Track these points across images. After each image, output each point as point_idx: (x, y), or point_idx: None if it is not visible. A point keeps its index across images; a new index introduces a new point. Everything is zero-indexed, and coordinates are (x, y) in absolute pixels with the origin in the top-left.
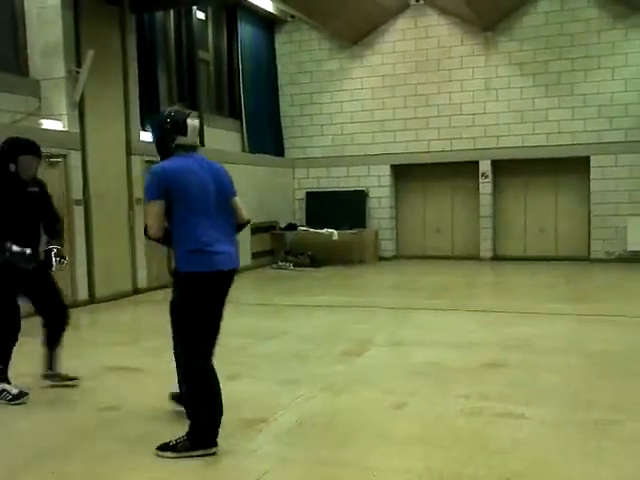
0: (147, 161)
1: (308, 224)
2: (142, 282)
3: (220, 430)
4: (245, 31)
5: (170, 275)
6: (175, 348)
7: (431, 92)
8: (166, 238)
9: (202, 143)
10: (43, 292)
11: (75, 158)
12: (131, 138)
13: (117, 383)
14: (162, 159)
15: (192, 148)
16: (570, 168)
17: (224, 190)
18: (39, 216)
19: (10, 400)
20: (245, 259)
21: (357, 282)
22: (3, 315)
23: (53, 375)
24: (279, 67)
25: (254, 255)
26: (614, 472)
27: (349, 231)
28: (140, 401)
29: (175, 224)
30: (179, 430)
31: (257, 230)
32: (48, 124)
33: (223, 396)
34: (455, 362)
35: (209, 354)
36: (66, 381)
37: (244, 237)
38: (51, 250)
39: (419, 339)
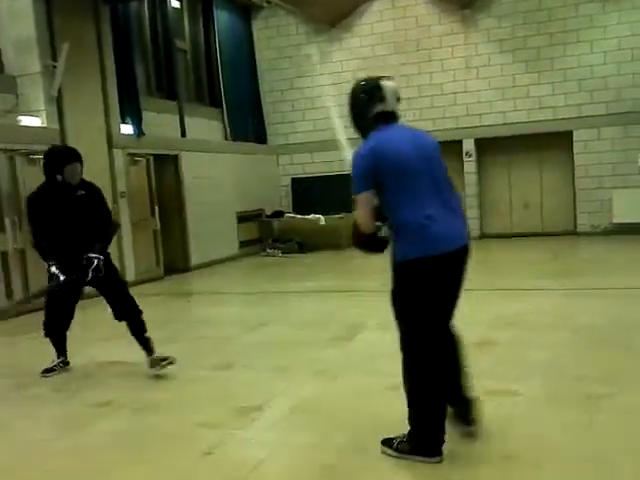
0: (129, 154)
1: (295, 210)
2: (130, 276)
3: (215, 420)
4: (221, 18)
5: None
6: (401, 341)
7: (411, 73)
8: (374, 240)
9: (183, 133)
10: (106, 286)
11: None
12: (112, 131)
13: (110, 377)
14: (362, 136)
15: (394, 117)
16: (553, 143)
17: (439, 161)
18: (88, 219)
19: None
20: (232, 248)
21: (346, 267)
22: (58, 308)
23: (152, 360)
24: (257, 53)
25: (241, 244)
26: (609, 444)
27: (336, 216)
28: (134, 395)
29: (391, 208)
30: (174, 421)
31: (243, 219)
32: (27, 121)
33: (216, 385)
34: None
35: (440, 350)
36: (162, 363)
37: (230, 226)
38: (90, 260)
39: None
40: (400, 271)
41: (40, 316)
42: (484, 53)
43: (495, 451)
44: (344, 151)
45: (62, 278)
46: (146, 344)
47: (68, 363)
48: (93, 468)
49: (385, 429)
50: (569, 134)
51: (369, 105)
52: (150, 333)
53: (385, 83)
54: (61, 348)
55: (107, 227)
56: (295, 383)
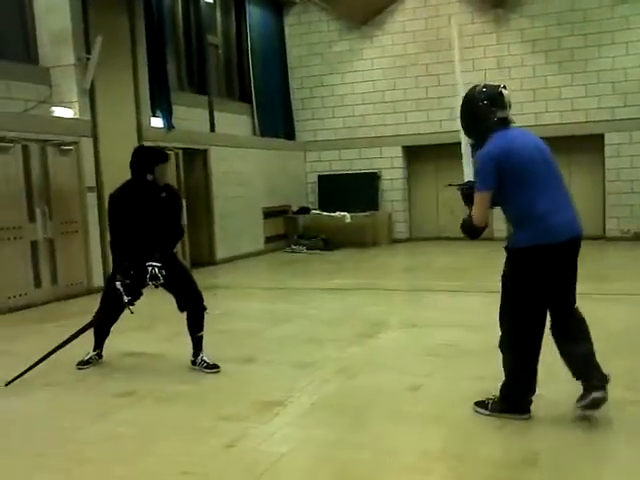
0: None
1: (321, 207)
2: None
3: (237, 413)
4: (253, 14)
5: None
6: (501, 311)
7: (442, 72)
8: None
9: (213, 128)
10: (170, 284)
11: (87, 145)
12: (142, 124)
13: (134, 368)
14: (478, 139)
15: (510, 121)
16: (584, 146)
17: (553, 160)
18: (166, 221)
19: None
20: (258, 243)
21: (371, 264)
22: (109, 305)
23: (194, 362)
24: (288, 49)
25: (267, 239)
26: (632, 452)
27: (362, 214)
28: (157, 386)
29: (514, 200)
30: (197, 413)
31: (270, 214)
32: (59, 112)
33: (239, 378)
34: (470, 343)
35: (542, 330)
36: (205, 368)
37: (256, 222)
38: (152, 268)
39: (434, 321)
40: (519, 257)
41: (67, 305)
42: (517, 53)
43: (515, 454)
44: (466, 169)
45: (126, 300)
46: (196, 343)
47: (102, 357)
48: (116, 457)
49: (406, 428)
50: (601, 137)
51: (491, 111)
52: (174, 325)
53: (504, 91)
54: (100, 341)
55: (174, 232)
56: (317, 379)
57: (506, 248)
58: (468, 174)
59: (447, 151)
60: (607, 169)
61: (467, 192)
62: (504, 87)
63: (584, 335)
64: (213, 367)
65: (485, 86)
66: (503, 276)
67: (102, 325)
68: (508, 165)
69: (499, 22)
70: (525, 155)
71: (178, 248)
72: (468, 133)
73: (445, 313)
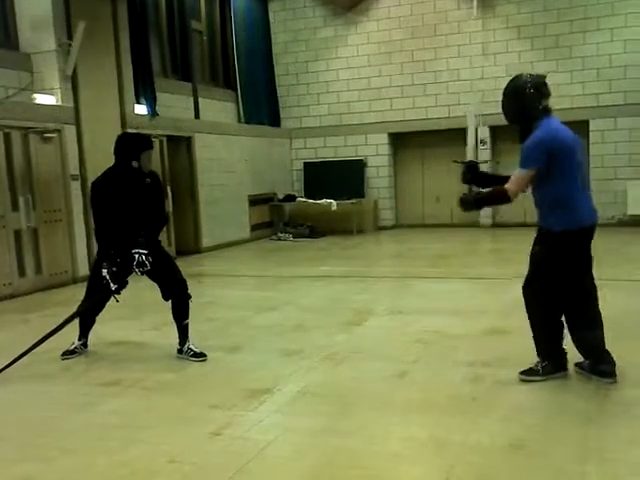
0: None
1: (307, 195)
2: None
3: (223, 401)
4: None
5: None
6: (529, 286)
7: (428, 58)
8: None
9: (197, 115)
10: (155, 273)
11: (70, 133)
12: (126, 111)
13: (120, 357)
14: (524, 126)
15: (551, 110)
16: None
17: (582, 151)
18: (150, 208)
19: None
20: (244, 231)
21: (357, 252)
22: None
23: (180, 350)
24: (273, 36)
25: (253, 227)
26: (616, 435)
27: (348, 201)
28: (143, 375)
29: (550, 185)
30: (183, 402)
31: (255, 202)
32: (41, 99)
33: (225, 366)
34: (456, 330)
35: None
36: (191, 356)
37: (242, 209)
38: (138, 255)
39: (420, 307)
40: (556, 239)
41: (52, 294)
42: (502, 40)
43: (501, 440)
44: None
45: (112, 288)
46: (182, 331)
47: (87, 346)
48: (101, 446)
49: (392, 414)
50: (585, 123)
51: (537, 99)
52: (160, 314)
53: (547, 81)
54: (86, 331)
55: (158, 219)
56: (304, 367)
57: (542, 230)
58: (470, 157)
59: (433, 138)
60: (592, 155)
61: (468, 170)
62: (545, 77)
63: (597, 321)
64: (200, 355)
65: (531, 75)
66: (536, 254)
67: (88, 314)
68: (556, 151)
69: (484, 8)
70: (569, 144)
71: (163, 236)
72: (515, 119)
73: (431, 300)
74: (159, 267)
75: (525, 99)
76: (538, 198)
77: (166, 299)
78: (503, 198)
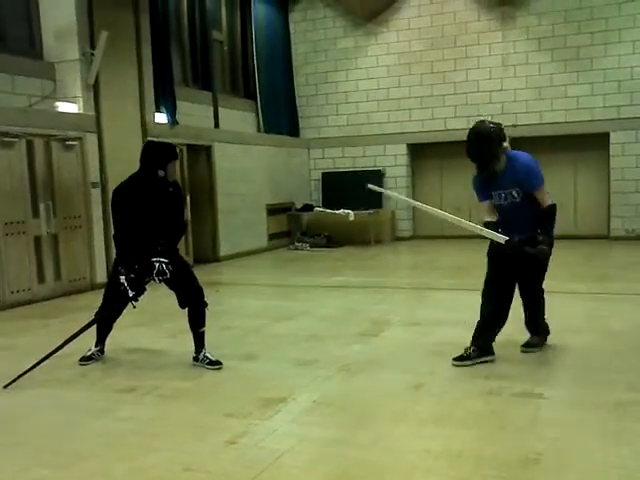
0: None
1: (324, 205)
2: None
3: (239, 410)
4: (259, 10)
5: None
6: (534, 286)
7: (447, 69)
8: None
9: (217, 124)
10: (173, 281)
11: (91, 141)
12: (146, 120)
13: (136, 364)
14: (490, 161)
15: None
16: (589, 145)
17: None
18: (172, 217)
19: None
20: (262, 241)
21: (374, 262)
22: (113, 300)
23: (196, 358)
24: (293, 46)
25: (271, 237)
26: (634, 452)
27: (365, 211)
28: (159, 383)
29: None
30: (199, 410)
31: (273, 211)
32: (64, 107)
33: (241, 375)
34: None
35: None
36: (207, 365)
37: (260, 219)
38: (159, 264)
39: (437, 319)
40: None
41: (70, 301)
42: (522, 51)
43: (517, 454)
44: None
45: (130, 294)
46: (198, 339)
47: (104, 352)
48: (116, 453)
49: (407, 426)
50: (606, 136)
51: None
52: (176, 322)
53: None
54: (103, 337)
55: (178, 228)
56: (319, 377)
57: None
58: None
59: (451, 148)
60: (612, 168)
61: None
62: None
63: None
64: (216, 363)
65: (496, 124)
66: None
67: (105, 321)
68: None
69: (505, 19)
70: None
71: (181, 244)
72: (487, 156)
73: (448, 311)
74: (177, 275)
75: (499, 141)
76: (527, 211)
77: (183, 307)
78: (553, 214)
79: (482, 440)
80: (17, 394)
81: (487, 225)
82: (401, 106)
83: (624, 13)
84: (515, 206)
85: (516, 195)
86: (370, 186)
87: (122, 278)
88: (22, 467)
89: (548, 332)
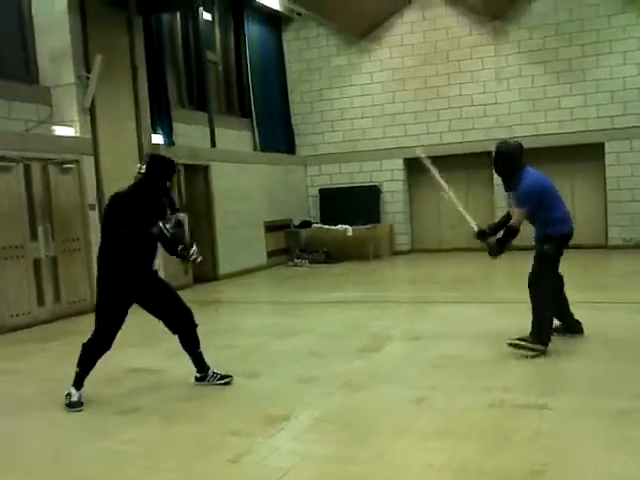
0: None
1: (322, 221)
2: None
3: (242, 428)
4: (252, 30)
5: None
6: (535, 281)
7: (441, 84)
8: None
9: (213, 144)
10: (160, 300)
11: (88, 163)
12: (143, 142)
13: (138, 384)
14: (508, 176)
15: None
16: (585, 155)
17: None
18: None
19: (67, 404)
20: (260, 258)
21: (373, 277)
22: (109, 328)
23: (200, 378)
24: (287, 65)
25: (269, 254)
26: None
27: (363, 227)
28: (162, 402)
29: (547, 212)
30: (201, 429)
31: (271, 228)
32: (60, 130)
33: (243, 393)
34: (475, 354)
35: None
36: (218, 380)
37: (258, 236)
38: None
39: (437, 332)
40: (558, 240)
41: (70, 323)
42: (515, 64)
43: (521, 466)
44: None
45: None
46: (199, 360)
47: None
48: (119, 474)
49: (410, 441)
50: (601, 146)
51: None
52: (174, 342)
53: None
54: (84, 377)
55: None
56: (321, 393)
57: (543, 238)
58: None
59: (447, 162)
60: (608, 177)
61: (483, 237)
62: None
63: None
64: (226, 377)
65: (514, 141)
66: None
67: (98, 353)
68: (544, 190)
69: (497, 34)
70: (550, 183)
71: (180, 263)
72: (504, 170)
73: (448, 325)
74: (161, 300)
75: (517, 158)
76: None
77: (175, 331)
78: (509, 230)
79: (485, 453)
80: (18, 417)
81: (481, 231)
82: (396, 121)
83: (614, 25)
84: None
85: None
86: (419, 152)
87: (159, 226)
88: None
89: (541, 341)
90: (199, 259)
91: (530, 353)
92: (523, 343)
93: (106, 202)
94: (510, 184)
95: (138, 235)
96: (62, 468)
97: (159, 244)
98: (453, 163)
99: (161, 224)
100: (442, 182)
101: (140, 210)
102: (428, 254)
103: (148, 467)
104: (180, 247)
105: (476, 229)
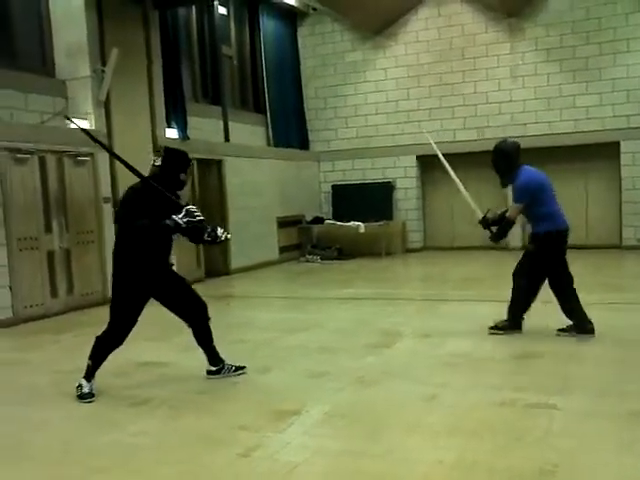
0: None
1: (335, 217)
2: None
3: (252, 422)
4: (267, 25)
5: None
6: (516, 268)
7: (456, 81)
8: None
9: (227, 138)
10: (175, 294)
11: (103, 157)
12: (157, 135)
13: (148, 377)
14: (505, 173)
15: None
16: (600, 154)
17: None
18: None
19: (78, 395)
20: (272, 253)
21: (385, 274)
22: (124, 322)
23: (213, 372)
24: (302, 60)
25: (281, 249)
26: None
27: (376, 223)
28: (172, 395)
29: (538, 207)
30: (212, 423)
31: (284, 224)
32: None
33: (254, 388)
34: (486, 353)
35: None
36: (234, 372)
37: (271, 231)
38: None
39: (449, 330)
40: (542, 239)
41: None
42: (530, 62)
43: (532, 465)
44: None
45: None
46: (214, 354)
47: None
48: (130, 466)
49: (421, 437)
50: (616, 145)
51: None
52: (187, 335)
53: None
54: (95, 370)
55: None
56: (332, 389)
57: (534, 235)
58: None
59: (461, 160)
60: (623, 177)
61: (488, 226)
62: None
63: (574, 291)
64: (241, 368)
65: (512, 141)
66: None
67: (111, 348)
68: (537, 188)
69: (513, 31)
70: (544, 179)
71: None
72: (502, 168)
73: (459, 323)
74: (177, 294)
75: (514, 157)
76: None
77: (190, 323)
78: (505, 223)
79: (496, 451)
80: (30, 408)
81: (483, 218)
82: (410, 118)
83: (632, 23)
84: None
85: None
86: (427, 135)
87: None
88: None
89: (514, 326)
90: (229, 236)
91: (501, 332)
92: (495, 331)
93: (121, 196)
94: (507, 181)
95: (153, 226)
96: (72, 459)
97: (180, 238)
98: (467, 161)
99: (174, 216)
100: (449, 167)
101: (155, 203)
102: (441, 252)
103: (157, 460)
104: (205, 234)
105: (480, 217)
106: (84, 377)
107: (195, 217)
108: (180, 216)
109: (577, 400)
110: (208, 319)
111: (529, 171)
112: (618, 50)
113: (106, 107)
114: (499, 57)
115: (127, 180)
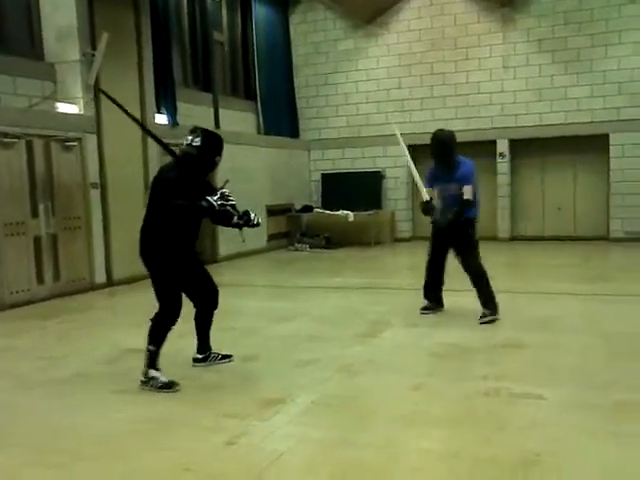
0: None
1: (324, 206)
2: None
3: (238, 410)
4: (259, 12)
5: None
6: (469, 260)
7: (448, 71)
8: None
9: (217, 125)
10: (196, 275)
11: (91, 141)
12: (146, 121)
13: (135, 364)
14: (447, 160)
15: None
16: (589, 146)
17: None
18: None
19: (160, 387)
20: (261, 241)
21: (373, 263)
22: (172, 299)
23: (200, 359)
24: (294, 48)
25: (270, 237)
26: (634, 453)
27: (365, 212)
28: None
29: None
30: (198, 411)
31: (273, 212)
32: (64, 108)
33: (240, 376)
34: (472, 343)
35: None
36: (220, 360)
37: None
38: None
39: (436, 320)
40: (472, 222)
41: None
42: (522, 53)
43: (516, 455)
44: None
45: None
46: (206, 340)
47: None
48: (115, 453)
49: (407, 427)
50: (606, 137)
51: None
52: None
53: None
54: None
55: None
56: (318, 378)
57: (466, 221)
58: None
59: None
60: (612, 170)
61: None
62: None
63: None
64: (228, 356)
65: (449, 131)
66: (468, 239)
67: (169, 324)
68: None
69: (505, 21)
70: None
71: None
72: (446, 156)
73: (447, 313)
74: (197, 276)
75: (454, 146)
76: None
77: (204, 308)
78: (465, 203)
79: (481, 441)
80: (17, 394)
81: (429, 201)
82: (401, 107)
83: (624, 15)
84: (449, 192)
85: (454, 186)
86: (396, 129)
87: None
88: (20, 467)
89: (496, 305)
90: (260, 220)
91: (489, 318)
92: (488, 319)
93: (108, 181)
94: (447, 167)
95: (189, 207)
96: (59, 446)
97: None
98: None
99: (209, 198)
100: (406, 150)
101: (190, 183)
102: (429, 241)
103: (143, 446)
104: (235, 218)
105: (425, 199)
106: (150, 367)
107: (229, 201)
108: (215, 198)
109: (562, 390)
110: (216, 307)
111: (467, 159)
112: (610, 42)
113: (95, 91)
114: (491, 47)
115: (115, 165)
